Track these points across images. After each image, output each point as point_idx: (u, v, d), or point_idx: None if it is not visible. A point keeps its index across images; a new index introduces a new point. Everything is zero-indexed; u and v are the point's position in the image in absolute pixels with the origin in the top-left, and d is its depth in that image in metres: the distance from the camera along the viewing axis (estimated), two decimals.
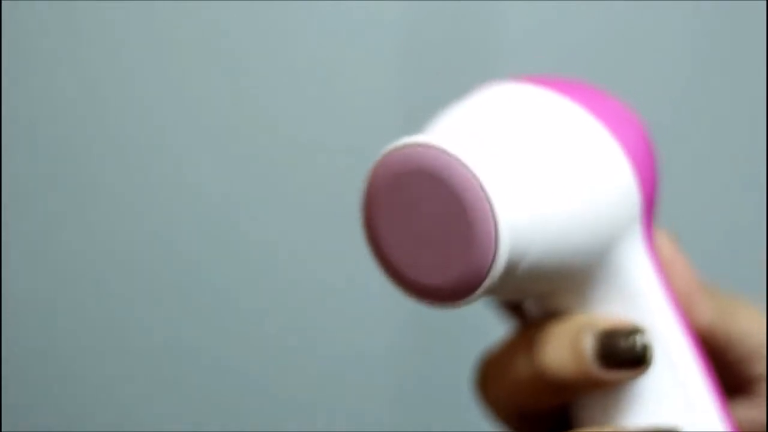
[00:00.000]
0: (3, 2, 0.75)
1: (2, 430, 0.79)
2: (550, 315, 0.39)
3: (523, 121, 0.36)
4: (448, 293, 0.35)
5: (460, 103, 0.39)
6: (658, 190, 0.39)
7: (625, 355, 0.37)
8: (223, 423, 0.81)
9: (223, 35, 0.77)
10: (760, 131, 0.77)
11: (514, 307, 0.42)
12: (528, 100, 0.37)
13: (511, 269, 0.34)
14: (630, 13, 0.76)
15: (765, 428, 0.41)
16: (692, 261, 0.42)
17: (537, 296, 0.39)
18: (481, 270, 0.34)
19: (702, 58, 0.77)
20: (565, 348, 0.37)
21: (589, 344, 0.37)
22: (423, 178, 0.35)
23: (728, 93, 0.77)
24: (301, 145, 0.78)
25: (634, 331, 0.37)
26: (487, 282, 0.34)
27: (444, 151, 0.34)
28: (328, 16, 0.76)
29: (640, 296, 0.38)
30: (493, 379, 0.40)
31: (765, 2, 0.75)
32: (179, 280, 0.79)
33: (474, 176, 0.34)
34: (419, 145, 0.35)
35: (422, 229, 0.35)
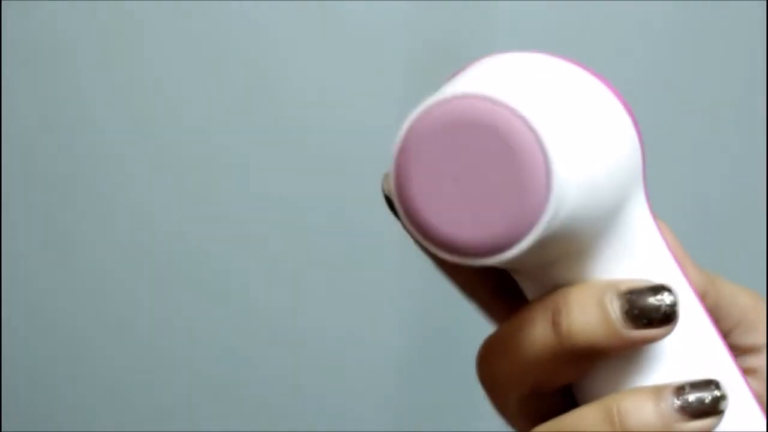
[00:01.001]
0: (3, 2, 0.75)
1: (2, 430, 0.79)
2: (558, 284, 0.39)
3: (556, 82, 0.37)
4: (487, 247, 0.35)
5: (477, 65, 0.38)
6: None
7: (653, 313, 0.36)
8: (223, 424, 0.81)
9: (223, 36, 0.77)
10: (761, 131, 0.77)
11: (491, 297, 0.42)
12: (546, 65, 0.38)
13: (549, 227, 0.34)
14: (631, 12, 0.76)
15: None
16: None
17: (545, 264, 0.39)
18: (529, 224, 0.34)
19: (702, 57, 0.77)
20: (592, 311, 0.37)
21: (616, 305, 0.37)
22: (473, 131, 0.34)
23: (728, 93, 0.77)
24: (304, 145, 0.78)
25: (660, 289, 0.37)
26: (532, 236, 0.34)
27: (496, 101, 0.34)
28: (329, 16, 0.76)
29: (650, 256, 0.38)
30: (502, 358, 0.39)
31: (765, 2, 0.76)
32: (179, 280, 0.79)
33: (533, 130, 0.33)
34: (467, 96, 0.34)
35: (465, 183, 0.34)
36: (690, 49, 0.77)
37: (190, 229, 0.79)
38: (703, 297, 0.41)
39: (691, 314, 0.39)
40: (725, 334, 0.41)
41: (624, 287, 0.37)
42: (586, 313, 0.37)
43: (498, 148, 0.34)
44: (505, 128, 0.34)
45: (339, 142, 0.78)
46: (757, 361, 0.41)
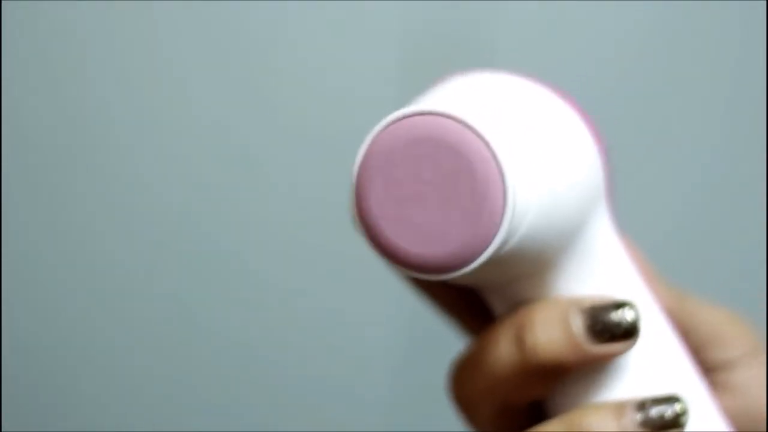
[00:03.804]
0: (3, 2, 0.75)
1: (2, 430, 0.79)
2: (523, 302, 0.39)
3: (516, 102, 0.37)
4: (445, 263, 0.35)
5: (444, 84, 0.39)
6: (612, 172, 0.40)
7: (615, 328, 0.37)
8: (223, 424, 0.81)
9: (222, 37, 0.77)
10: (761, 131, 0.77)
11: (460, 310, 0.43)
12: (509, 85, 0.38)
13: (502, 246, 0.35)
14: (628, 14, 0.76)
15: (724, 412, 0.41)
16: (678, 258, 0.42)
17: (508, 281, 0.39)
18: (484, 242, 0.34)
19: (702, 58, 0.77)
20: (555, 328, 0.38)
21: (579, 321, 0.37)
22: (429, 147, 0.35)
23: (728, 93, 0.77)
24: (303, 145, 0.78)
25: (622, 305, 0.37)
26: (487, 254, 0.34)
27: (457, 119, 0.34)
28: (327, 14, 0.76)
29: (613, 274, 0.39)
30: (471, 376, 0.40)
31: (765, 2, 0.76)
32: (179, 280, 0.79)
33: (487, 145, 0.34)
34: (428, 113, 0.35)
35: (422, 199, 0.35)
36: (690, 49, 0.77)
37: (190, 228, 0.79)
38: (671, 314, 0.42)
39: (656, 330, 0.39)
40: (696, 351, 0.42)
41: (587, 303, 0.38)
42: (550, 329, 0.38)
43: (454, 165, 0.34)
44: (462, 146, 0.34)
45: (339, 140, 0.78)
46: (730, 376, 0.42)
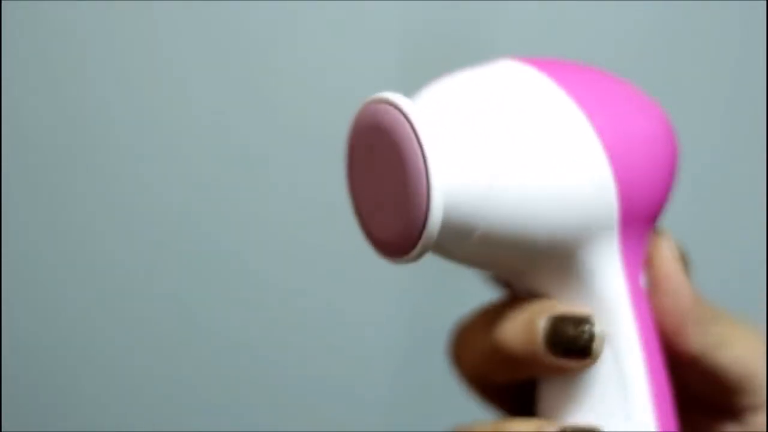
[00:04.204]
0: (3, 2, 0.75)
1: (2, 430, 0.79)
2: (529, 294, 0.39)
3: (494, 93, 0.36)
4: (393, 248, 0.35)
5: (453, 73, 0.39)
6: (656, 205, 0.37)
7: (570, 343, 0.37)
8: (223, 424, 0.81)
9: (222, 37, 0.77)
10: (761, 131, 0.77)
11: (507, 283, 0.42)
12: (509, 75, 0.37)
13: (460, 233, 0.34)
14: (628, 14, 0.76)
15: None
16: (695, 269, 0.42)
17: (512, 272, 0.39)
18: (415, 227, 0.34)
19: (702, 58, 0.77)
20: (520, 327, 0.38)
21: (541, 326, 0.37)
22: (378, 133, 0.35)
23: (728, 93, 0.77)
24: (303, 144, 0.78)
25: (584, 321, 0.37)
26: (423, 240, 0.34)
27: (394, 106, 0.34)
28: (327, 14, 0.76)
29: (604, 302, 0.38)
30: (462, 347, 0.41)
31: (765, 2, 0.76)
32: (178, 280, 0.79)
33: (415, 132, 0.33)
34: (378, 100, 0.36)
35: (378, 184, 0.35)
36: (690, 49, 0.77)
37: (190, 228, 0.79)
38: (699, 357, 0.40)
39: (628, 366, 0.38)
40: (728, 393, 0.40)
41: (555, 312, 0.37)
42: (516, 328, 0.38)
43: (392, 150, 0.34)
44: (395, 130, 0.34)
45: (339, 140, 0.78)
46: (758, 419, 0.41)
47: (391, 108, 0.34)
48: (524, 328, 0.37)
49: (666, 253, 0.39)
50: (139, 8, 0.76)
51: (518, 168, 0.35)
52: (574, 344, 0.37)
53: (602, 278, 0.37)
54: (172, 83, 0.77)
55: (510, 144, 0.35)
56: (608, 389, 0.38)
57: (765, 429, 0.41)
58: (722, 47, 0.77)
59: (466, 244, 0.35)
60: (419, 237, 0.34)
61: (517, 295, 0.40)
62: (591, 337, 0.36)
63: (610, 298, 0.37)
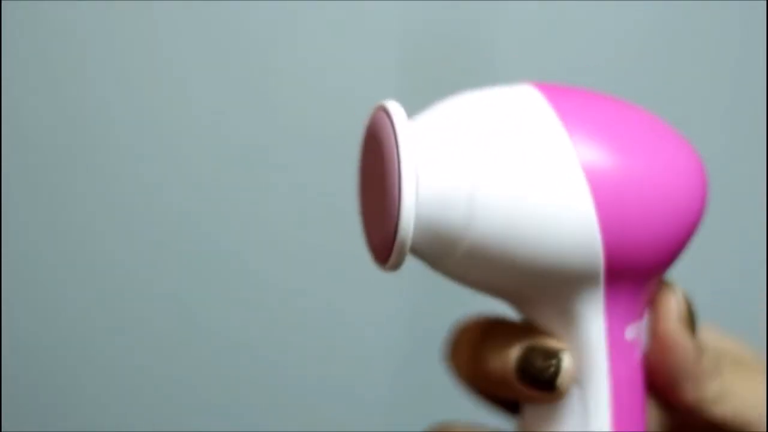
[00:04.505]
0: (3, 2, 0.75)
1: (2, 430, 0.79)
2: (521, 316, 0.39)
3: (486, 112, 0.35)
4: (377, 255, 0.35)
5: (465, 92, 0.38)
6: (655, 265, 0.36)
7: (535, 374, 0.37)
8: (223, 424, 0.81)
9: (222, 37, 0.77)
10: (761, 131, 0.77)
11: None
12: (512, 98, 0.36)
13: (444, 247, 0.34)
14: (628, 14, 0.76)
15: None
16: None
17: (502, 296, 0.39)
18: (391, 235, 0.34)
19: (702, 58, 0.77)
20: (499, 352, 0.38)
21: (514, 355, 0.37)
22: (372, 139, 0.35)
23: (728, 93, 0.77)
24: (303, 145, 0.78)
25: (553, 355, 0.36)
26: (396, 248, 0.34)
27: (386, 113, 0.34)
28: (327, 15, 0.76)
29: (581, 344, 0.37)
30: (454, 354, 0.41)
31: (765, 2, 0.75)
32: (178, 280, 0.79)
33: (396, 138, 0.33)
34: (378, 107, 0.35)
35: (372, 190, 0.35)
36: (690, 49, 0.77)
37: (190, 228, 0.79)
38: (701, 408, 0.39)
39: (592, 408, 0.37)
40: None
41: (529, 342, 0.37)
42: (495, 351, 0.38)
43: (381, 157, 0.34)
44: (382, 137, 0.34)
45: (339, 140, 0.78)
46: None
47: (383, 114, 0.35)
48: (501, 352, 0.38)
49: (669, 309, 0.38)
50: (140, 8, 0.76)
51: (498, 185, 0.34)
52: (540, 376, 0.36)
53: (581, 322, 0.37)
54: (173, 83, 0.77)
55: (492, 160, 0.34)
56: (573, 428, 0.38)
57: None
58: (722, 47, 0.76)
59: (453, 259, 0.35)
60: (393, 244, 0.34)
61: (514, 316, 0.40)
62: (557, 372, 0.36)
63: (587, 343, 0.37)
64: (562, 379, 0.36)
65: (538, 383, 0.37)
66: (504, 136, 0.34)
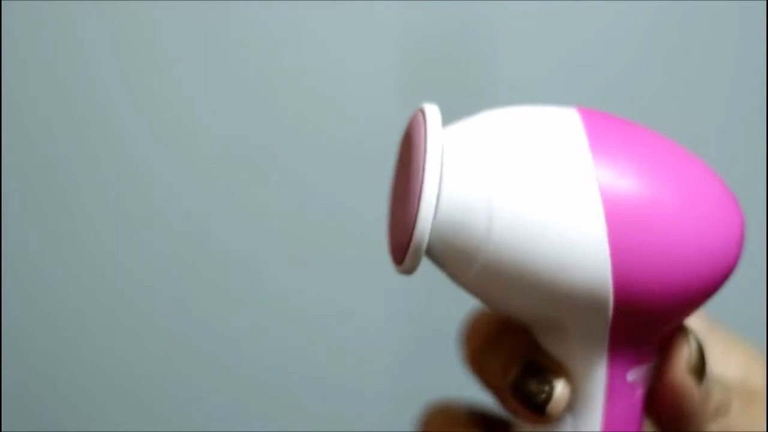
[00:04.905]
0: (3, 2, 0.75)
1: (2, 430, 0.79)
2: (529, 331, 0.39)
3: (520, 126, 0.35)
4: (394, 256, 0.35)
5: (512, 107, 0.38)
6: (668, 321, 0.35)
7: (528, 395, 0.37)
8: (223, 424, 0.81)
9: (224, 38, 0.77)
10: (761, 131, 0.77)
11: None
12: (548, 117, 0.35)
13: (461, 259, 0.34)
14: (628, 14, 0.76)
15: None
16: None
17: (513, 314, 0.38)
18: (407, 236, 0.34)
19: (702, 58, 0.77)
20: (499, 366, 0.38)
21: (513, 370, 0.37)
22: (407, 140, 0.35)
23: (728, 93, 0.77)
24: (304, 145, 0.78)
25: (548, 381, 0.36)
26: (411, 249, 0.33)
27: (422, 116, 0.34)
28: (329, 16, 0.76)
29: (580, 379, 0.37)
30: (467, 341, 0.41)
31: (765, 2, 0.76)
32: (179, 281, 0.79)
33: (425, 145, 0.33)
34: (419, 110, 0.35)
35: (401, 190, 0.35)
36: (690, 49, 0.77)
37: (191, 228, 0.79)
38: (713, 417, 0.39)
39: None
40: None
41: (530, 361, 0.37)
42: (498, 358, 0.38)
43: (411, 161, 0.34)
44: (414, 140, 0.34)
45: (340, 140, 0.78)
46: None
47: (420, 117, 0.34)
48: (502, 364, 0.38)
49: (680, 358, 0.37)
50: (140, 8, 0.76)
51: (516, 199, 0.33)
52: (532, 398, 0.37)
53: (582, 357, 0.36)
54: (174, 84, 0.77)
55: (513, 173, 0.34)
56: None
57: None
58: (722, 47, 0.77)
59: (471, 271, 0.35)
60: (408, 246, 0.34)
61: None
62: (547, 398, 0.36)
63: (586, 377, 0.37)
64: (553, 406, 0.36)
65: (530, 405, 0.37)
66: (527, 151, 0.34)
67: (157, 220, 0.78)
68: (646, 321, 0.34)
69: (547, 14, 0.76)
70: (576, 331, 0.35)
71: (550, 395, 0.36)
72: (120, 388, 0.80)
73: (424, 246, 0.33)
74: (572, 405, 0.37)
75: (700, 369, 0.37)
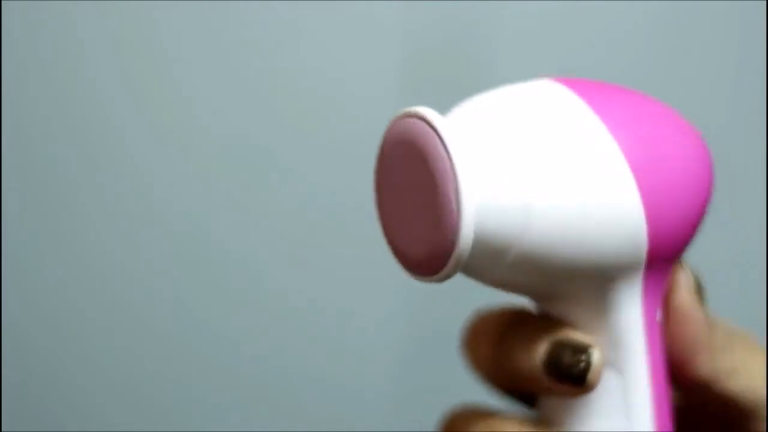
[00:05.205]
0: (3, 2, 0.75)
1: (2, 430, 0.79)
2: (545, 312, 0.39)
3: (527, 113, 0.36)
4: (423, 266, 0.35)
5: (488, 91, 0.38)
6: (683, 243, 0.37)
7: (565, 370, 0.37)
8: (223, 424, 0.81)
9: (224, 38, 0.77)
10: (761, 131, 0.77)
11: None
12: (544, 96, 0.36)
13: (493, 255, 0.34)
14: (628, 14, 0.76)
15: None
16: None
17: (533, 296, 0.39)
18: (446, 247, 0.34)
19: (702, 58, 0.77)
20: (525, 349, 0.38)
21: (542, 351, 0.37)
22: (408, 148, 0.35)
23: (728, 93, 0.77)
24: (304, 145, 0.78)
25: (582, 349, 0.37)
26: (453, 260, 0.34)
27: (426, 122, 0.34)
28: (329, 16, 0.76)
29: (619, 333, 0.38)
30: (473, 345, 0.41)
31: (765, 2, 0.76)
32: (179, 281, 0.79)
33: (446, 148, 0.33)
34: (410, 114, 0.35)
35: (408, 199, 0.35)
36: (690, 49, 0.77)
37: (191, 229, 0.79)
38: (708, 387, 0.40)
39: (634, 405, 0.38)
40: (738, 420, 0.40)
41: (557, 337, 0.37)
42: (521, 348, 0.38)
43: (423, 166, 0.34)
44: (426, 146, 0.34)
45: (340, 140, 0.78)
46: None
47: (421, 122, 0.34)
48: (528, 348, 0.38)
49: (681, 283, 0.39)
50: (140, 8, 0.76)
51: (553, 192, 0.34)
52: (569, 372, 0.37)
53: (620, 309, 0.37)
54: (174, 84, 0.77)
55: (545, 168, 0.35)
56: (612, 417, 0.38)
57: None
58: (722, 47, 0.77)
59: (499, 266, 0.35)
60: (449, 256, 0.34)
61: (533, 309, 0.40)
62: (587, 367, 0.37)
63: (626, 330, 0.38)
64: (593, 373, 0.37)
65: (567, 379, 0.37)
66: (552, 141, 0.35)
67: (157, 220, 0.78)
68: (672, 253, 0.37)
69: (547, 14, 0.76)
70: (611, 287, 0.37)
71: (588, 362, 0.37)
72: (120, 388, 0.80)
73: (467, 255, 0.34)
74: (614, 362, 0.37)
75: (699, 291, 0.40)
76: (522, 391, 0.40)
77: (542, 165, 0.34)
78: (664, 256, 0.37)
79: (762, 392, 0.41)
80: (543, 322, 0.38)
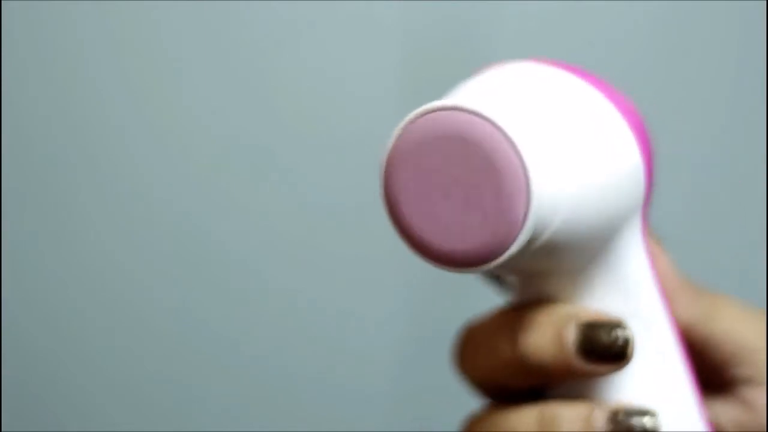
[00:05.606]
0: (3, 2, 0.75)
1: (2, 430, 0.79)
2: (538, 299, 0.39)
3: (549, 96, 0.37)
4: (469, 259, 0.35)
5: (478, 77, 0.39)
6: (653, 178, 0.40)
7: (606, 349, 0.37)
8: (223, 424, 0.81)
9: (224, 38, 0.77)
10: (761, 131, 0.77)
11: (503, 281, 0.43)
12: (550, 78, 0.38)
13: (532, 241, 0.35)
14: (628, 14, 0.76)
15: (741, 428, 0.41)
16: (683, 259, 0.42)
17: (536, 275, 0.39)
18: (507, 238, 0.34)
19: (702, 58, 0.77)
20: (548, 337, 0.38)
21: (572, 335, 0.37)
22: (454, 143, 0.34)
23: (728, 93, 0.77)
24: (304, 145, 0.78)
25: (616, 326, 0.37)
26: (511, 251, 0.34)
27: (481, 116, 0.34)
28: (329, 15, 0.76)
29: (635, 286, 0.39)
30: (473, 353, 0.40)
31: (765, 2, 0.76)
32: (180, 281, 0.79)
33: (512, 143, 0.34)
34: (453, 108, 0.34)
35: (447, 194, 0.35)
36: (690, 49, 0.77)
37: (192, 229, 0.79)
38: (690, 331, 0.41)
39: (664, 347, 0.39)
40: (719, 365, 0.41)
41: (584, 319, 0.37)
42: (544, 337, 0.38)
43: (478, 160, 0.34)
44: (485, 141, 0.34)
45: (341, 140, 0.78)
46: (749, 392, 0.41)
47: (467, 115, 0.34)
48: (552, 336, 0.38)
49: (648, 237, 0.40)
50: (140, 8, 0.76)
51: (585, 169, 0.36)
52: (609, 351, 0.37)
53: (629, 260, 0.38)
54: (174, 84, 0.77)
55: (577, 147, 0.36)
56: (646, 376, 0.39)
57: (759, 401, 0.41)
58: (722, 47, 0.77)
59: (525, 253, 0.35)
60: (504, 250, 0.34)
61: (522, 299, 0.40)
62: (626, 342, 0.37)
63: (637, 277, 0.39)
64: (632, 346, 0.37)
65: (607, 358, 0.37)
66: (580, 125, 0.37)
67: (157, 220, 0.78)
68: (652, 187, 0.39)
69: (547, 14, 0.76)
70: (620, 235, 0.38)
71: (625, 337, 0.37)
72: (120, 388, 0.80)
73: (527, 241, 0.34)
74: (635, 312, 0.38)
75: (659, 242, 0.41)
76: (529, 386, 0.40)
77: (576, 150, 0.35)
78: (650, 189, 0.39)
79: (742, 335, 0.41)
80: (552, 308, 0.38)
